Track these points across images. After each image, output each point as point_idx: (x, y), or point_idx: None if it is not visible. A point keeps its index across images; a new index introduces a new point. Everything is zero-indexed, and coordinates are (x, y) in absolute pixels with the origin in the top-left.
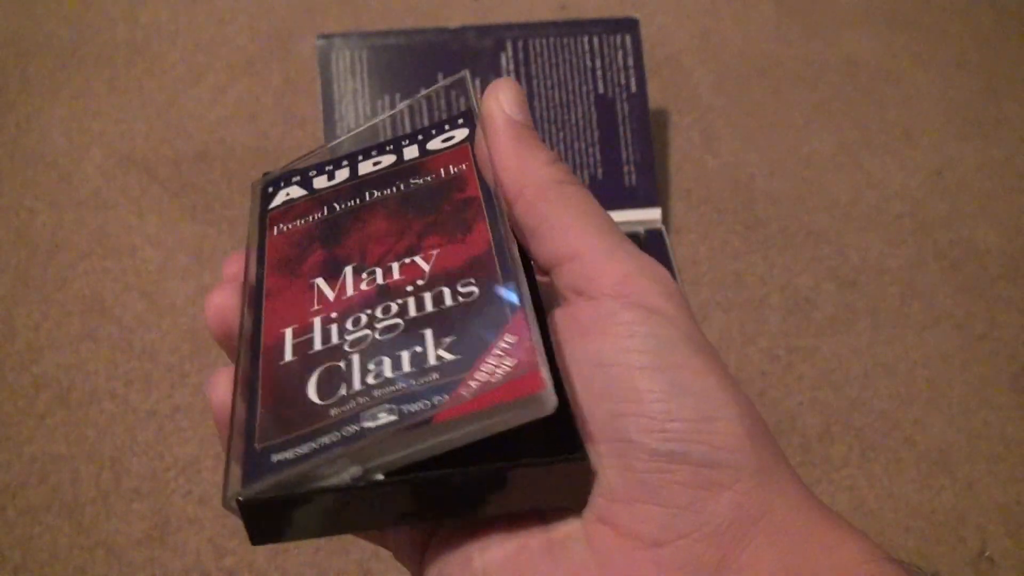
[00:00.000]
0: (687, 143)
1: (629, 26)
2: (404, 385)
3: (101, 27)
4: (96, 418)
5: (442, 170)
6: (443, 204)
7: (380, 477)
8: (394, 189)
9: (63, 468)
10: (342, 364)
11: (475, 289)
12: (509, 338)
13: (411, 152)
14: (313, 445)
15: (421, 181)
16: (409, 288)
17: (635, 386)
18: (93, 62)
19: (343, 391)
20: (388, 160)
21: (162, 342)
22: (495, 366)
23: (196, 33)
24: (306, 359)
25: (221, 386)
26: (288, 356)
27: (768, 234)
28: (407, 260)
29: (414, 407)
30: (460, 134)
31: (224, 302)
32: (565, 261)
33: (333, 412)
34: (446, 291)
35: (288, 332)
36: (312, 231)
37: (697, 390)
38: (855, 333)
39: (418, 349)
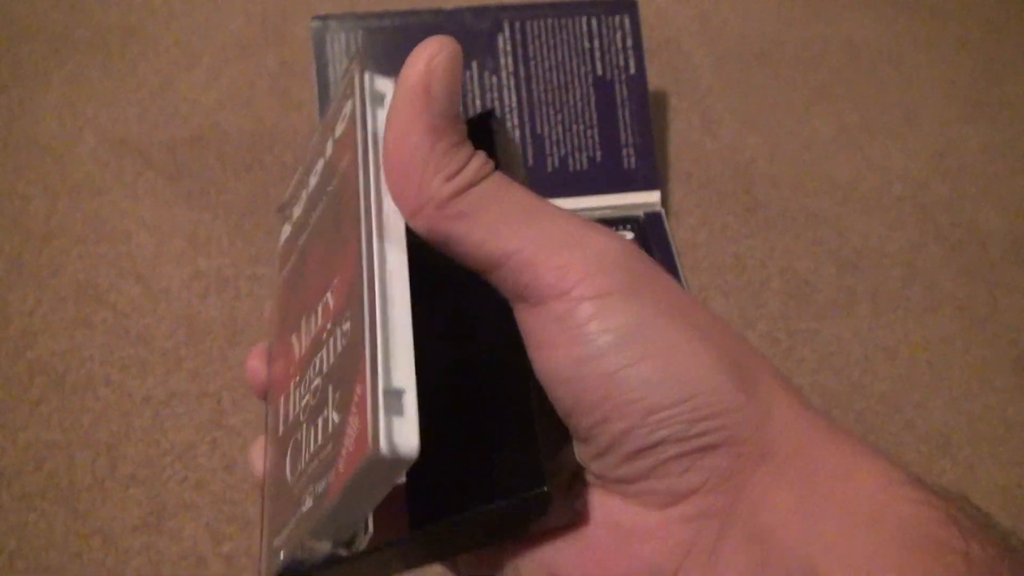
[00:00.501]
0: (687, 126)
1: (628, 7)
2: (318, 459)
3: (94, 10)
4: (91, 404)
5: (339, 164)
6: (343, 213)
7: (342, 552)
8: (324, 201)
9: (58, 454)
10: (300, 436)
11: (349, 325)
12: (359, 388)
13: (329, 147)
14: (290, 529)
15: (333, 185)
16: (324, 335)
17: (608, 394)
18: (86, 46)
19: (300, 467)
20: (321, 163)
21: (157, 328)
22: (353, 424)
23: (190, 16)
24: (287, 435)
25: (254, 453)
26: (281, 432)
27: (768, 217)
28: (325, 299)
29: (320, 486)
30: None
31: (255, 365)
32: (492, 268)
33: (295, 493)
34: (337, 333)
35: (281, 403)
36: (292, 277)
37: (673, 370)
38: (856, 316)
39: (324, 413)
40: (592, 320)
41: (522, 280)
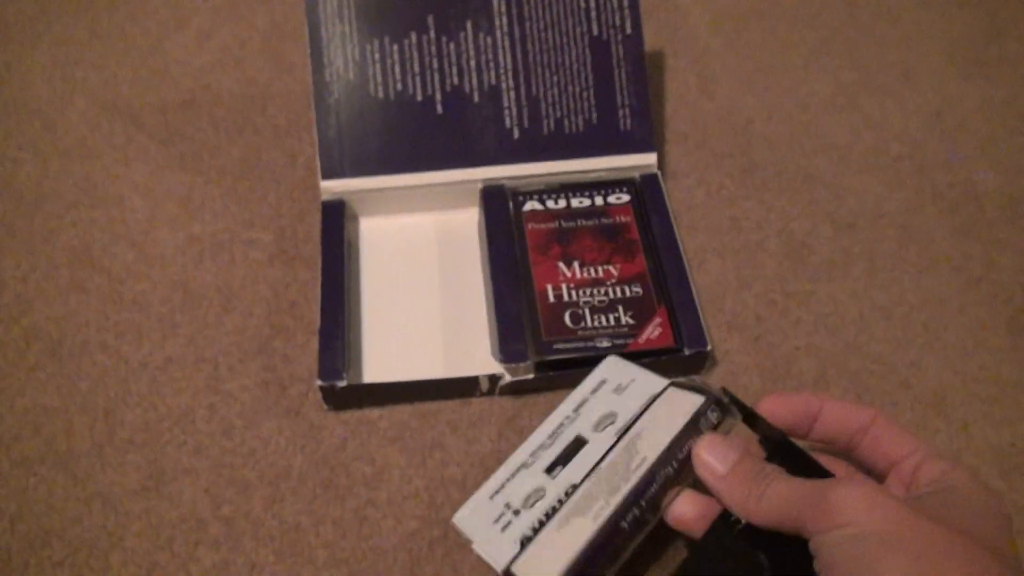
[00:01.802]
0: (683, 86)
1: None
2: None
3: None
4: (88, 370)
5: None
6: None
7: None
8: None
9: (56, 420)
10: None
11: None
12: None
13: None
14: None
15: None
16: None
17: None
18: (74, 7)
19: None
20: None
21: (152, 292)
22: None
23: None
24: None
25: (680, 507)
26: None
27: (765, 178)
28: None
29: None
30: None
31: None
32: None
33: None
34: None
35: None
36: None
37: None
38: (852, 277)
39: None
40: None
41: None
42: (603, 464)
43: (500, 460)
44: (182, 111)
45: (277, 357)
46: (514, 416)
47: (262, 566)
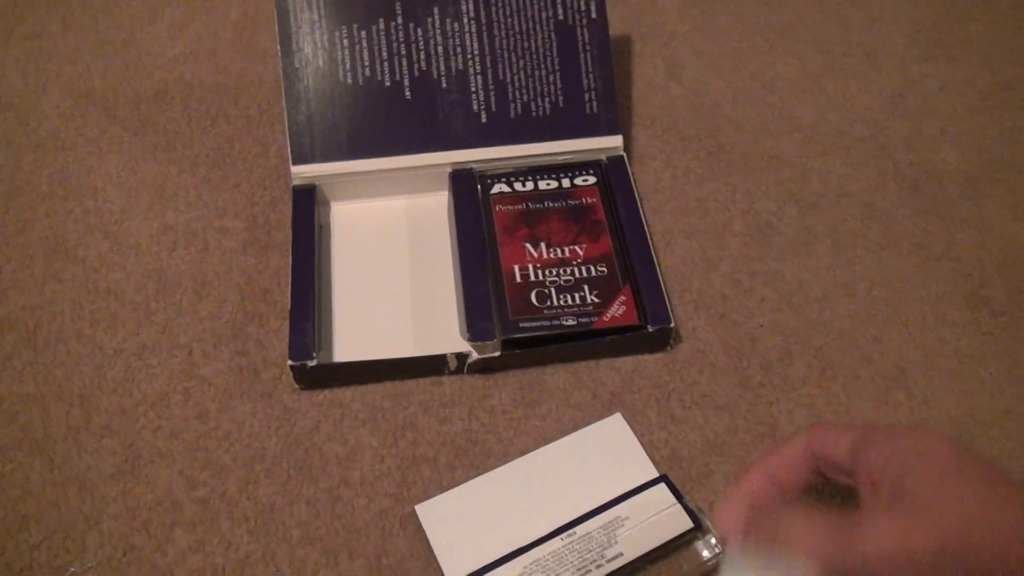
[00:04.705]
0: (651, 70)
1: None
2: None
3: None
4: (63, 358)
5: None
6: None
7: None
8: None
9: (32, 407)
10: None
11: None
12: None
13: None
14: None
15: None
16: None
17: None
18: (46, 1)
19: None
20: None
21: (127, 281)
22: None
23: None
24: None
25: (726, 514)
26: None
27: (731, 160)
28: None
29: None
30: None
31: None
32: None
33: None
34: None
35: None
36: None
37: None
38: (815, 256)
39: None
40: None
41: None
42: (578, 531)
43: (471, 440)
44: (155, 102)
45: (251, 342)
46: (484, 396)
47: (237, 545)
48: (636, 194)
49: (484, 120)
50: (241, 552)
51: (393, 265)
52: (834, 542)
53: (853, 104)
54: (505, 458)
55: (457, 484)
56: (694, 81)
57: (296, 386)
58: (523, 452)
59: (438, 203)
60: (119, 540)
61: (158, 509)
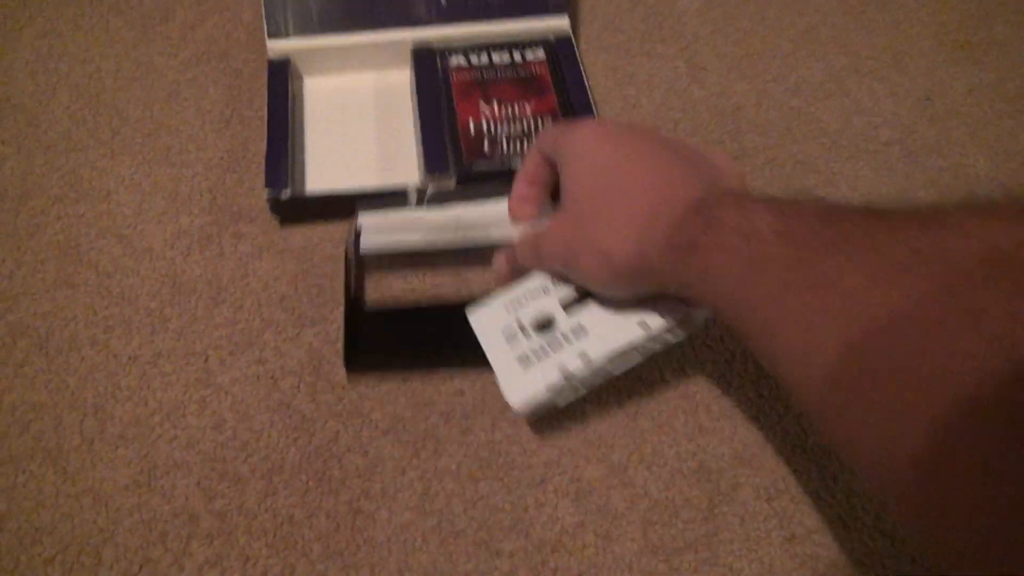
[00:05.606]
0: (673, 73)
1: None
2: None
3: None
4: (77, 365)
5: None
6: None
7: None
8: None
9: (45, 416)
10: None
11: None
12: None
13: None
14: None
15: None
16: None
17: None
18: (56, 0)
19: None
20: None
21: (141, 287)
22: None
23: None
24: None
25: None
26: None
27: (756, 165)
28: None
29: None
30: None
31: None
32: None
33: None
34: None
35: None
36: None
37: None
38: None
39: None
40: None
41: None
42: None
43: (494, 451)
44: (167, 104)
45: (268, 350)
46: (507, 406)
47: (256, 559)
48: (581, 66)
49: (444, 3)
50: (260, 567)
51: (361, 131)
52: (531, 246)
53: (879, 108)
54: (528, 470)
55: (481, 497)
56: (716, 84)
57: (313, 390)
58: (547, 464)
59: (403, 79)
60: (135, 553)
61: (175, 521)
